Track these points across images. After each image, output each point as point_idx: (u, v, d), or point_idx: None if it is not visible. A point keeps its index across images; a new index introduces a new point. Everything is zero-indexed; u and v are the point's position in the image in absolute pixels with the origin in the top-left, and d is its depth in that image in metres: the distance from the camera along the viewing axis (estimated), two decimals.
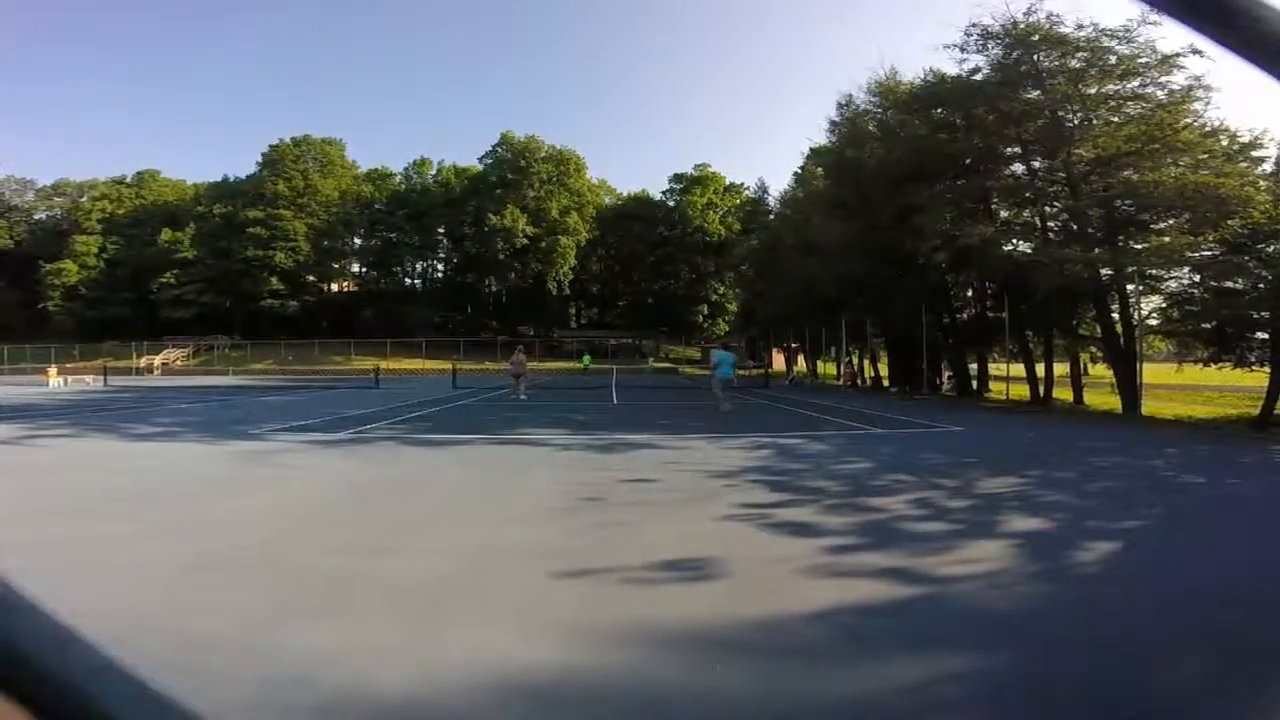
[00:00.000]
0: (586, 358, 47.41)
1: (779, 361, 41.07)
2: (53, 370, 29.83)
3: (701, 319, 60.92)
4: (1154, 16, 12.59)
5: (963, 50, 16.36)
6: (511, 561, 3.56)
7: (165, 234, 55.54)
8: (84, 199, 61.21)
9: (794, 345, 38.81)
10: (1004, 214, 17.98)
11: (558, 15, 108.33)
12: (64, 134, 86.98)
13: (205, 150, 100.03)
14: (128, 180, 63.03)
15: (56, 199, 63.29)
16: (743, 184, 63.47)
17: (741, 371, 42.44)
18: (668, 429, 10.34)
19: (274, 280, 54.99)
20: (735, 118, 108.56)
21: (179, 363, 50.12)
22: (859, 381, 27.52)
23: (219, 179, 61.70)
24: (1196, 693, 2.25)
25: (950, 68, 17.75)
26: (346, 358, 48.23)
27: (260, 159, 59.34)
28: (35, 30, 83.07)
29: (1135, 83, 14.10)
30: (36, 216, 63.42)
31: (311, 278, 58.88)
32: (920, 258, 16.44)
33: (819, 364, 36.50)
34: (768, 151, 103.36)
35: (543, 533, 4.18)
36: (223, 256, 54.89)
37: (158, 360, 47.76)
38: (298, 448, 8.25)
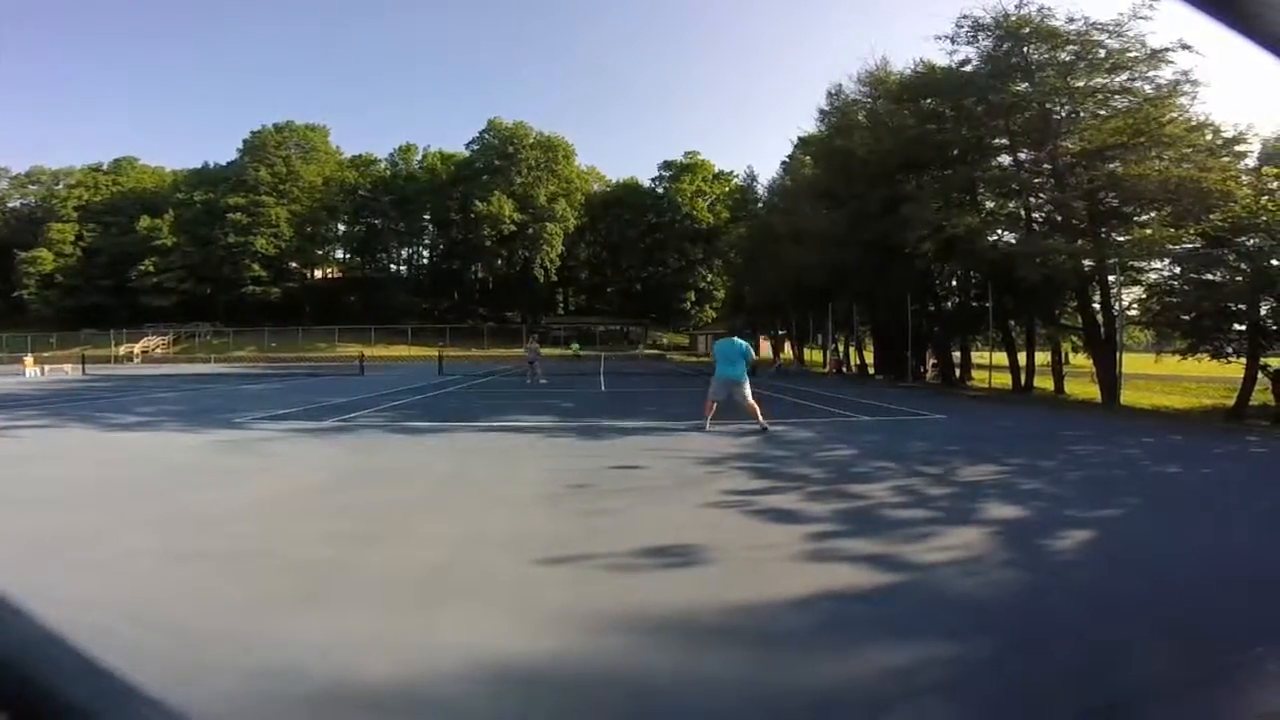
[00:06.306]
0: (575, 344, 47.35)
1: (765, 349, 41.27)
2: (29, 359, 29.27)
3: (689, 306, 61.05)
4: (1147, 11, 12.69)
5: (953, 41, 16.39)
6: (500, 549, 3.57)
7: (144, 221, 54.43)
8: (60, 186, 59.73)
9: (781, 333, 39.02)
10: (990, 205, 18.08)
11: (547, 1, 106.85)
12: (38, 121, 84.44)
13: (185, 137, 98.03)
14: (104, 168, 61.56)
15: (31, 187, 61.57)
16: (732, 171, 63.48)
17: None
18: (655, 415, 10.39)
19: (256, 267, 54.18)
20: (725, 106, 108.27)
21: (159, 351, 49.34)
22: (845, 369, 27.72)
23: (199, 166, 60.64)
24: (1165, 678, 2.32)
25: (940, 59, 17.77)
26: (331, 344, 47.71)
27: (241, 145, 58.43)
28: (7, 14, 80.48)
29: (1123, 76, 14.18)
30: (10, 204, 61.71)
31: (294, 264, 58.13)
32: (907, 247, 16.52)
33: (805, 351, 36.72)
34: (757, 140, 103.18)
35: (531, 520, 4.21)
36: (203, 243, 53.97)
37: (137, 349, 46.99)
38: (283, 436, 8.19)
